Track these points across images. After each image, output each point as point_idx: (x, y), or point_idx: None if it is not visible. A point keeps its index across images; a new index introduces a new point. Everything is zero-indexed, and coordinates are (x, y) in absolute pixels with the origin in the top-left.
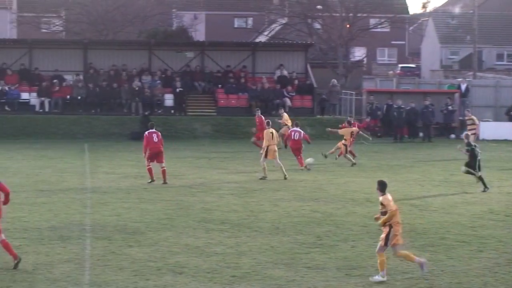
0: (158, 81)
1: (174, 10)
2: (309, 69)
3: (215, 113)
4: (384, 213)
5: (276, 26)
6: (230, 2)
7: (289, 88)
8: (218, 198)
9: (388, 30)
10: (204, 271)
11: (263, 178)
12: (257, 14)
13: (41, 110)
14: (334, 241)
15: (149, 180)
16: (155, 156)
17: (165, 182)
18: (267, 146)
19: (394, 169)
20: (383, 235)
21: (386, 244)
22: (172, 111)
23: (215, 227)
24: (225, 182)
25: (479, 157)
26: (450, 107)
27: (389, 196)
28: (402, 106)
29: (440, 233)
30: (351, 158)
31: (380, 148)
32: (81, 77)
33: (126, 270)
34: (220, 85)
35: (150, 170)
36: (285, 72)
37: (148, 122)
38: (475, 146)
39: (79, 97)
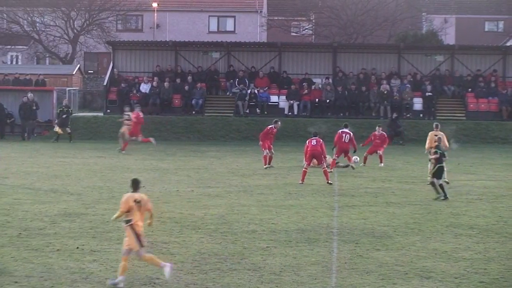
0: (407, 85)
1: (424, 13)
2: None
3: (464, 117)
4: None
5: None
6: (481, 5)
7: None
8: (466, 203)
9: None
10: (451, 276)
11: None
12: (509, 18)
13: (289, 113)
14: None
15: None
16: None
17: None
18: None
19: None
20: (127, 238)
21: (142, 245)
22: (421, 115)
23: (463, 232)
24: (474, 187)
25: None
26: None
27: (135, 195)
28: None
29: None
30: None
31: None
32: (330, 80)
33: (373, 273)
34: (470, 89)
35: (304, 173)
36: None
37: (397, 126)
38: None
39: (327, 100)
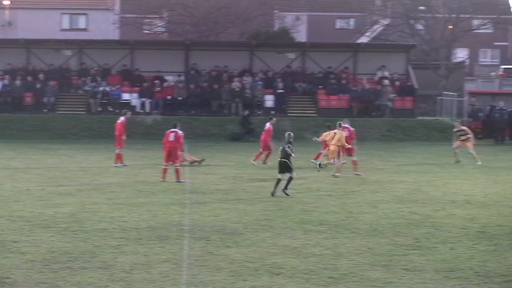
0: (259, 82)
1: (276, 11)
2: (410, 70)
3: (315, 114)
4: None
5: (378, 27)
6: (332, 3)
7: (390, 89)
8: (316, 199)
9: (491, 31)
10: (301, 272)
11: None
12: (359, 15)
13: (141, 111)
14: (432, 243)
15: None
16: (170, 155)
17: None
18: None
19: (495, 170)
20: None
21: None
22: (273, 112)
23: (313, 228)
24: (324, 184)
25: None
26: None
27: None
28: (504, 108)
29: None
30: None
31: (481, 150)
32: (182, 78)
33: (223, 270)
34: (321, 86)
35: (165, 170)
36: (387, 73)
37: (248, 123)
38: None
39: (179, 98)
